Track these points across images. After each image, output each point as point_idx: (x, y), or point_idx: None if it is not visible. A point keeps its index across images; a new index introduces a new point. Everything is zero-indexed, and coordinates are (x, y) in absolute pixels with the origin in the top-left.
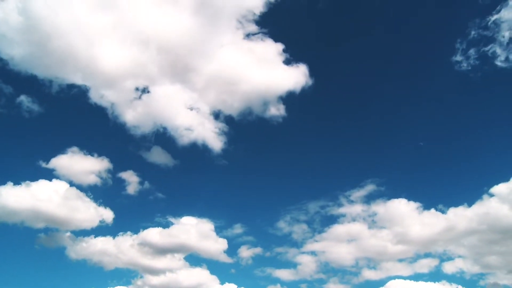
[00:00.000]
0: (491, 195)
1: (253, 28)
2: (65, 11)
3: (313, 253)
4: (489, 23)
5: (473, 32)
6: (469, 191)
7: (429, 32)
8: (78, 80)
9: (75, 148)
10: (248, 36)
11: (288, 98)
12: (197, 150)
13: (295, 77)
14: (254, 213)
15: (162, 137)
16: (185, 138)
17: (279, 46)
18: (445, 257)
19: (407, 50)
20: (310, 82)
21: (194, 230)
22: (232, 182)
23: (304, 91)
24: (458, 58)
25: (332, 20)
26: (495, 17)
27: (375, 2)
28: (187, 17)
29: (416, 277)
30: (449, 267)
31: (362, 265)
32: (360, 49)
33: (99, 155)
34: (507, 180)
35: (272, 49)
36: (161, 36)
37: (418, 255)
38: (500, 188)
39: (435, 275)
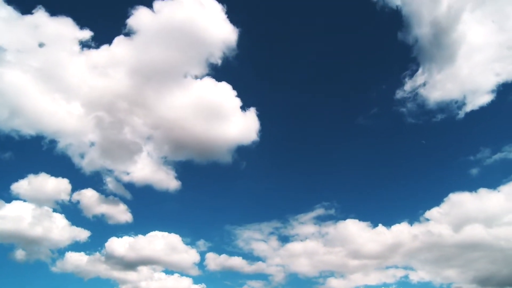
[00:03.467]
0: (427, 219)
1: (201, 75)
2: (20, 84)
3: (279, 265)
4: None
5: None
6: (408, 214)
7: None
8: (32, 132)
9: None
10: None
11: (240, 143)
12: (152, 190)
13: (246, 119)
14: (213, 234)
15: (118, 180)
16: (139, 180)
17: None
18: (408, 269)
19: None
20: (259, 124)
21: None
22: (187, 210)
23: (255, 134)
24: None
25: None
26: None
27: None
28: (129, 74)
29: (384, 286)
30: (413, 277)
31: (326, 275)
32: (299, 97)
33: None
34: (438, 205)
35: (220, 94)
36: (107, 92)
37: (380, 267)
38: (432, 213)
39: (403, 285)
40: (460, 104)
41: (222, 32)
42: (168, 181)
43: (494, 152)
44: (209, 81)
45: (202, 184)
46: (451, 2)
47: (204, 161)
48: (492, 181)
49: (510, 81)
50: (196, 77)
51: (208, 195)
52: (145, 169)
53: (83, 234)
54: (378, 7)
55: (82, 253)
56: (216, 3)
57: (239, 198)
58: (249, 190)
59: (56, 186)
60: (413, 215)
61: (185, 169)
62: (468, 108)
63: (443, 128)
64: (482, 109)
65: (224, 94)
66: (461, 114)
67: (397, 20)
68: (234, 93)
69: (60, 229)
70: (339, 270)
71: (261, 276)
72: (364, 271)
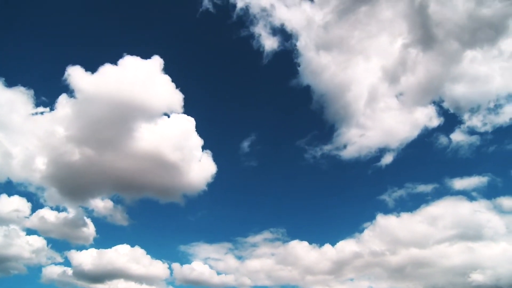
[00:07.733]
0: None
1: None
2: None
3: (243, 280)
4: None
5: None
6: (348, 233)
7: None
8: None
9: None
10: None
11: (192, 187)
12: (108, 224)
13: (200, 163)
14: (170, 253)
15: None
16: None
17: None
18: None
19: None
20: (214, 166)
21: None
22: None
23: (205, 180)
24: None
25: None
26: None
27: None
28: (80, 128)
29: None
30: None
31: None
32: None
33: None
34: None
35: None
36: (62, 144)
37: (338, 280)
38: (365, 235)
39: None
40: (368, 157)
41: (166, 92)
42: (122, 220)
43: (400, 188)
44: (158, 130)
45: (154, 218)
46: (336, 73)
47: (156, 201)
48: (403, 209)
49: (407, 138)
50: (146, 127)
51: (159, 225)
52: (100, 210)
53: (53, 253)
54: (291, 86)
55: (57, 267)
56: (158, 58)
57: (190, 225)
58: (199, 219)
59: (18, 206)
60: (352, 235)
61: (138, 208)
62: (375, 160)
63: (357, 174)
64: (388, 164)
65: (176, 141)
66: (370, 165)
67: (307, 95)
68: (188, 138)
69: (30, 247)
70: (300, 284)
71: None
72: (323, 284)
